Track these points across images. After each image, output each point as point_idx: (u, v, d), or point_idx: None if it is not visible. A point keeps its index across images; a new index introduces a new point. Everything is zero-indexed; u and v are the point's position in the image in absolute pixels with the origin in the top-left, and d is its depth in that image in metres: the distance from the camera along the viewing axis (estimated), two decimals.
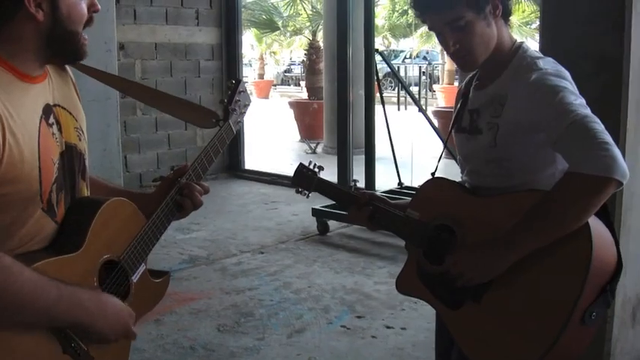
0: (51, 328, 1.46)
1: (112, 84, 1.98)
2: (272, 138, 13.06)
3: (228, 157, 8.93)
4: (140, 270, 1.72)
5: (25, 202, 1.51)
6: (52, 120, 1.60)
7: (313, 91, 13.18)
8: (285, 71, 29.21)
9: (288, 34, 18.95)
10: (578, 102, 1.75)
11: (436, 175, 2.13)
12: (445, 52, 1.97)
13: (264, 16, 14.71)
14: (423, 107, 7.42)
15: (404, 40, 23.65)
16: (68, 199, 1.64)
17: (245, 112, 2.09)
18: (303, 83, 23.28)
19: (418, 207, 2.05)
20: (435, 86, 20.45)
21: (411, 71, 20.86)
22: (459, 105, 2.11)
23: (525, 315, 1.77)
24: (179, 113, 2.07)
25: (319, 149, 11.60)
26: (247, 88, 2.10)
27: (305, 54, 14.48)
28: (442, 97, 18.49)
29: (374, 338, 3.98)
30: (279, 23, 15.32)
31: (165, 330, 4.05)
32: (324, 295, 4.68)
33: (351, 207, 2.16)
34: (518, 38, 2.08)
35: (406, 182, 7.04)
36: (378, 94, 6.61)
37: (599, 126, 1.69)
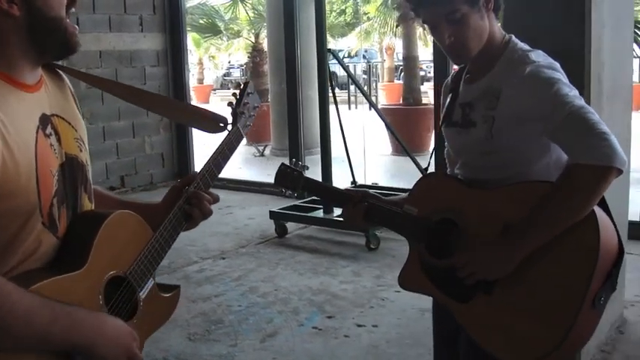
0: (54, 352, 1.39)
1: (110, 90, 1.92)
2: (217, 143, 12.94)
3: (178, 164, 8.83)
4: (148, 285, 1.66)
5: (24, 218, 1.44)
6: (49, 130, 1.53)
7: (258, 93, 13.07)
8: (225, 75, 28.96)
9: (226, 37, 18.81)
10: (573, 93, 1.81)
11: (429, 171, 2.14)
12: (440, 46, 1.98)
13: (205, 20, 14.56)
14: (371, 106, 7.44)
15: (342, 40, 23.72)
16: (70, 213, 1.58)
17: (254, 115, 2.01)
18: None
19: (416, 202, 2.06)
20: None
21: (342, 71, 20.93)
22: (447, 99, 2.13)
23: (539, 303, 1.82)
24: (185, 119, 2.01)
25: (267, 152, 11.56)
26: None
27: (248, 57, 14.40)
28: (384, 95, 18.65)
29: (347, 337, 4.00)
30: (221, 27, 15.20)
31: None
32: (291, 297, 4.67)
33: (345, 205, 2.15)
34: None
35: (359, 180, 7.08)
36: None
37: (595, 116, 1.75)
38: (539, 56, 1.95)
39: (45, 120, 1.52)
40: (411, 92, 11.64)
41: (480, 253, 1.88)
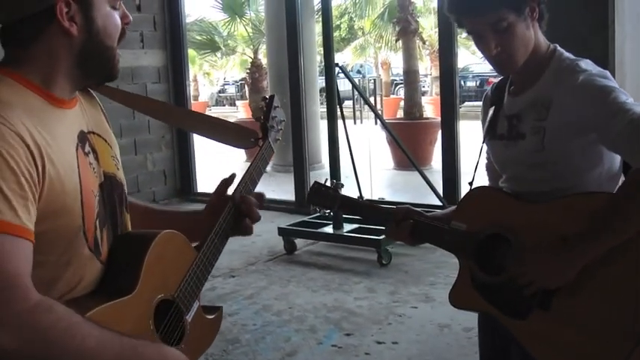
0: None
1: (141, 108, 1.86)
2: (220, 160, 12.93)
3: (180, 181, 8.76)
4: (194, 307, 1.60)
5: (68, 240, 1.38)
6: (87, 148, 1.47)
7: (257, 110, 13.05)
8: (219, 92, 28.95)
9: (220, 54, 18.82)
10: (630, 100, 1.77)
11: (474, 185, 2.09)
12: (485, 56, 1.94)
13: (204, 36, 14.54)
14: (377, 120, 7.41)
15: (337, 55, 23.79)
16: (110, 235, 1.52)
17: (282, 129, 1.97)
18: (239, 103, 23.18)
19: (463, 217, 2.01)
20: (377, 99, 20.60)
21: (344, 85, 20.94)
22: (490, 112, 2.08)
23: (602, 318, 1.76)
24: (216, 135, 1.96)
25: (269, 168, 11.47)
26: None
27: (247, 73, 14.37)
28: (384, 109, 18.68)
29: (368, 355, 3.92)
30: (220, 43, 15.18)
31: None
32: (306, 314, 4.59)
33: (389, 223, 2.09)
34: None
35: (366, 196, 7.02)
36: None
37: None
38: (588, 65, 1.91)
39: (83, 137, 1.47)
40: (412, 106, 11.61)
41: (540, 261, 1.82)
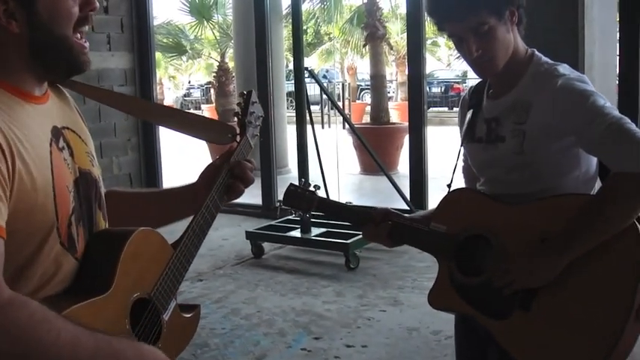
0: None
1: (113, 104, 1.84)
2: (185, 164, 12.84)
3: (146, 185, 8.65)
4: (171, 306, 1.58)
5: (40, 237, 1.35)
6: (62, 144, 1.44)
7: (224, 113, 13.02)
8: (185, 95, 28.77)
9: (186, 57, 18.71)
10: (608, 105, 1.81)
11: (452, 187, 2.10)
12: (464, 60, 1.95)
13: (170, 40, 14.43)
14: (345, 124, 7.43)
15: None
16: (86, 232, 1.49)
17: (260, 125, 1.95)
18: (204, 107, 23.04)
19: (442, 220, 2.02)
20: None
21: (312, 90, 20.95)
22: (468, 115, 2.10)
23: (582, 317, 1.78)
24: (192, 130, 1.93)
25: None
26: None
27: (214, 77, 14.29)
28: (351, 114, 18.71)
29: (337, 358, 3.92)
30: (187, 46, 15.09)
31: None
32: (275, 318, 4.58)
33: (367, 225, 2.10)
34: None
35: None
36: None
37: (634, 126, 1.75)
38: (566, 69, 1.94)
39: (57, 133, 1.44)
40: (379, 111, 11.66)
41: (519, 262, 1.84)
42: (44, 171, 1.35)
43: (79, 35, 1.43)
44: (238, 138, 1.85)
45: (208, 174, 1.79)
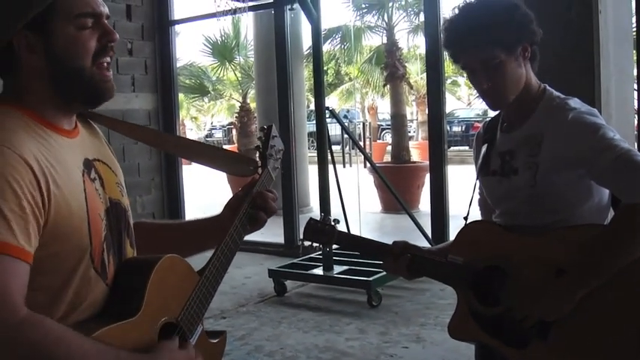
0: None
1: (140, 137, 1.91)
2: (208, 203, 12.92)
3: None
4: (198, 331, 1.62)
5: (75, 261, 1.42)
6: (93, 175, 1.52)
7: (246, 153, 13.14)
8: (207, 136, 29.06)
9: (207, 98, 18.93)
10: (618, 137, 1.85)
11: (469, 219, 2.14)
12: (477, 91, 2.02)
13: (193, 81, 14.66)
14: (366, 163, 7.49)
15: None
16: (116, 259, 1.55)
17: (280, 158, 2.00)
18: (226, 147, 23.21)
19: (459, 251, 2.06)
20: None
21: (333, 130, 21.06)
22: (483, 149, 2.15)
23: (599, 346, 1.81)
24: (215, 163, 2.00)
25: None
26: None
27: (236, 117, 14.48)
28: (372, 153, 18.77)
29: None
30: (209, 87, 15.30)
31: None
32: (298, 355, 4.59)
33: (387, 257, 2.14)
34: None
35: None
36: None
37: None
38: (577, 103, 1.99)
39: (88, 164, 1.52)
40: (400, 150, 11.72)
41: (536, 295, 1.87)
42: (79, 197, 1.42)
43: (103, 65, 1.49)
44: (260, 170, 1.91)
45: (232, 205, 1.85)
